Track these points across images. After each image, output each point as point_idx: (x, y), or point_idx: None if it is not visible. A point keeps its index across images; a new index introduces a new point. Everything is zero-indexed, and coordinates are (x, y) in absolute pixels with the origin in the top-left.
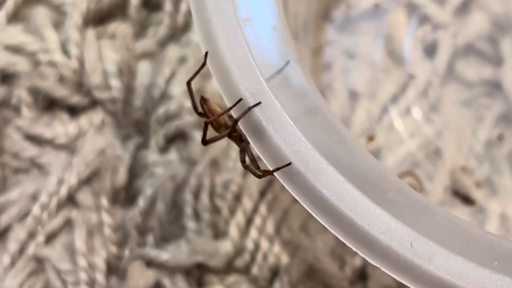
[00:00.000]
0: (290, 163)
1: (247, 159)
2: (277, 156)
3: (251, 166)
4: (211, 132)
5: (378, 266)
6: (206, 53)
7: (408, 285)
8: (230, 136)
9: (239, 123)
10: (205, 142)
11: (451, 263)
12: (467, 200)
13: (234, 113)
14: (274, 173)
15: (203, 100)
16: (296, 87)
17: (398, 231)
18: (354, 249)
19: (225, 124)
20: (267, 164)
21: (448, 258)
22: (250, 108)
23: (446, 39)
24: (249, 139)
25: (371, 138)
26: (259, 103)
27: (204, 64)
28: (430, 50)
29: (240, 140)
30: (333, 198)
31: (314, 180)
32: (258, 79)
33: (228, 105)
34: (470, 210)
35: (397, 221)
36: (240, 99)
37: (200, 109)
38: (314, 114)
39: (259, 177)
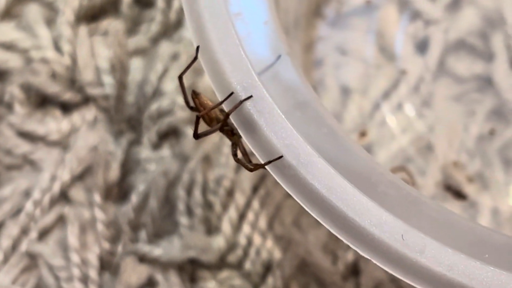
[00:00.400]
0: (281, 156)
1: (238, 152)
2: (268, 150)
3: (243, 160)
4: (203, 127)
5: (369, 258)
6: (198, 47)
7: (400, 277)
8: (221, 130)
9: (230, 117)
10: (196, 136)
11: (442, 255)
12: (459, 194)
13: (225, 107)
14: (266, 167)
15: (195, 94)
16: (287, 81)
17: (389, 223)
18: (345, 241)
19: (216, 118)
20: (258, 157)
21: (439, 250)
22: (241, 102)
23: (437, 34)
24: (240, 133)
25: (363, 134)
26: (251, 96)
27: (195, 58)
28: (421, 46)
29: (231, 133)
30: (324, 191)
31: (306, 173)
32: (249, 73)
33: (220, 99)
34: (462, 205)
35: (388, 214)
36: (232, 93)
37: (191, 104)
38: (305, 107)
39: (250, 170)
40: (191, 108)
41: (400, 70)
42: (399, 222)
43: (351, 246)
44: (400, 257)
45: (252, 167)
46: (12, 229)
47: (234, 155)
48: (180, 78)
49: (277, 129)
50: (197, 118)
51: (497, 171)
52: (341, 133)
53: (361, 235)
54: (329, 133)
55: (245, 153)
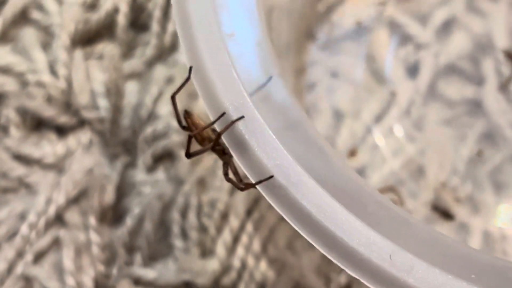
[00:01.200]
0: (272, 176)
1: (230, 172)
2: (259, 169)
3: (234, 179)
4: (195, 146)
5: (357, 277)
6: (191, 68)
7: None
8: (213, 149)
9: (222, 137)
10: (188, 155)
11: (430, 275)
12: (449, 217)
13: (217, 127)
14: (257, 186)
15: (187, 114)
16: (278, 102)
17: (377, 243)
18: (334, 261)
19: (208, 137)
20: (249, 177)
21: (426, 270)
22: (233, 122)
23: (428, 58)
24: (232, 153)
25: (352, 154)
26: (242, 117)
27: (188, 78)
28: (412, 70)
29: (223, 153)
30: (314, 211)
31: (295, 192)
32: (241, 94)
33: (212, 119)
34: (453, 227)
35: (376, 233)
36: (224, 113)
37: (184, 123)
38: (296, 128)
39: (241, 189)
40: (183, 128)
41: (391, 93)
42: (387, 242)
43: (340, 265)
44: (388, 277)
45: (243, 186)
46: (8, 252)
47: (225, 174)
48: (172, 98)
49: (268, 149)
50: (189, 138)
51: (487, 193)
52: (331, 153)
53: (349, 254)
54: (319, 153)
55: (236, 172)
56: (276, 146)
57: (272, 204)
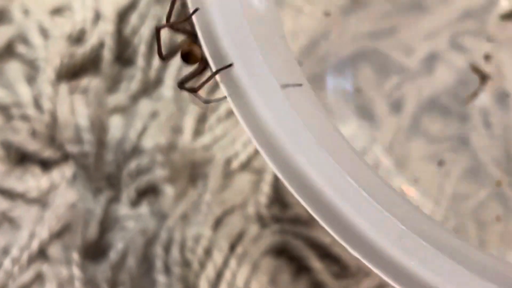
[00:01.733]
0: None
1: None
2: (262, 129)
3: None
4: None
5: (359, 258)
6: (196, 9)
7: (391, 282)
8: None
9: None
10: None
11: (439, 263)
12: None
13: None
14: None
15: (187, 44)
16: (286, 61)
17: (387, 223)
18: (335, 236)
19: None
20: (251, 136)
21: (435, 257)
22: (230, 65)
23: (412, 93)
24: (232, 103)
25: None
26: (233, 64)
27: (188, 17)
28: (395, 104)
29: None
30: (323, 184)
31: (311, 171)
32: (250, 43)
33: (213, 67)
34: None
35: (387, 214)
36: (231, 64)
37: (164, 55)
38: (300, 90)
39: (205, 102)
40: (163, 59)
41: (375, 128)
42: (397, 223)
43: (340, 242)
44: (394, 261)
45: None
46: None
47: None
48: (157, 30)
49: (277, 110)
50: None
51: (470, 231)
52: (333, 129)
53: (357, 233)
54: (326, 122)
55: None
56: (282, 99)
57: (273, 169)
